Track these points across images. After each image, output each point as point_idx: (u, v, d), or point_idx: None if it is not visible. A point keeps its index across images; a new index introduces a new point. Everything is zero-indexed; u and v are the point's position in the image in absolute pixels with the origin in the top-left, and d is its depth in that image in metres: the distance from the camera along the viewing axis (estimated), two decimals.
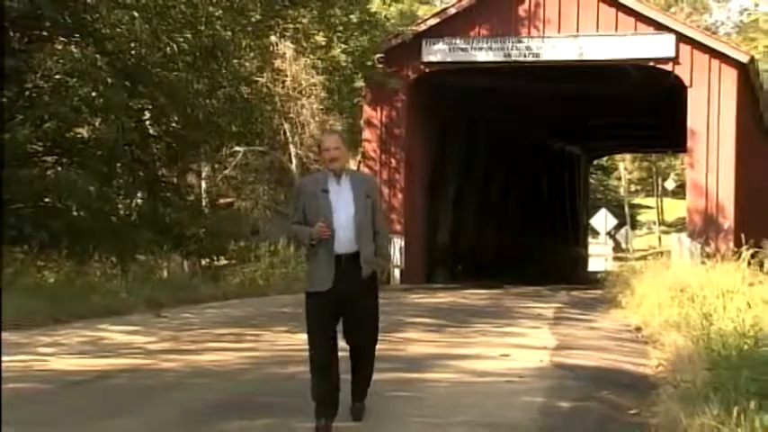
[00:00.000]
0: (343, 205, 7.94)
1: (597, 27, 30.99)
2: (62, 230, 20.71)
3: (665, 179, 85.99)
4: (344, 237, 7.89)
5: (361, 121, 33.96)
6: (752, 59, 32.81)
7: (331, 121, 34.72)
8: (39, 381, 10.71)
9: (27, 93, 20.95)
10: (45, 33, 21.52)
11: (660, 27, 31.01)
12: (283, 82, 30.93)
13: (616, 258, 44.15)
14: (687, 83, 30.55)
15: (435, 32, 32.04)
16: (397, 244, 31.40)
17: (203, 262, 26.05)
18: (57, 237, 20.63)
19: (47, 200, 20.97)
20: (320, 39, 30.91)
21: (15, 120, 19.79)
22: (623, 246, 50.33)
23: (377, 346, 8.38)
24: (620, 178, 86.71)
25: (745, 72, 31.59)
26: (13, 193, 19.68)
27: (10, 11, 19.58)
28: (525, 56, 31.49)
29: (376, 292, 8.18)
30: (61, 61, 21.21)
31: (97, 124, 22.33)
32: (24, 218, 20.41)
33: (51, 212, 20.84)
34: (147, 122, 24.18)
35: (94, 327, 15.62)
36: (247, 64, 27.27)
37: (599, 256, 46.54)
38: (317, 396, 7.92)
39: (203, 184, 32.83)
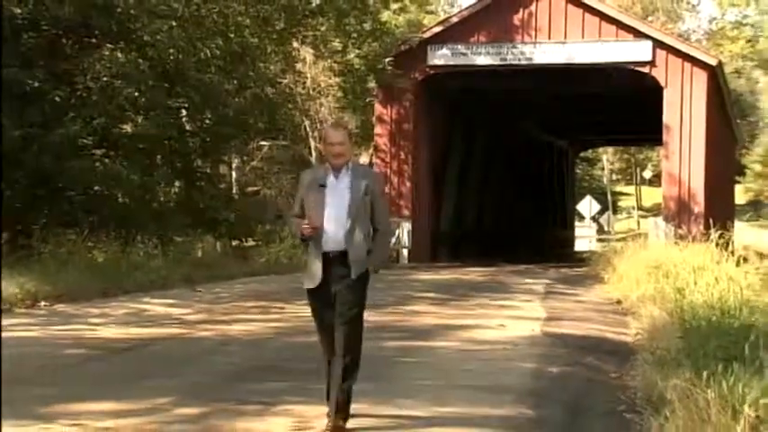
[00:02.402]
0: (335, 203, 6.86)
1: (583, 34, 30.89)
2: (109, 215, 20.79)
3: (642, 169, 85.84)
4: (333, 235, 6.83)
5: (374, 118, 33.93)
6: (720, 63, 32.73)
7: (346, 118, 34.73)
8: (89, 347, 10.76)
9: (78, 93, 21.00)
10: (94, 40, 21.55)
11: (638, 34, 30.91)
12: (304, 83, 30.92)
13: (599, 240, 44.16)
14: (663, 83, 30.46)
15: (439, 39, 31.96)
16: (405, 227, 31.42)
17: (233, 243, 26.07)
18: (105, 221, 20.70)
19: (96, 188, 21.02)
20: (337, 44, 30.86)
21: (68, 117, 19.83)
22: (606, 228, 50.28)
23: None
24: (603, 168, 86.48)
25: (714, 74, 31.49)
26: (67, 182, 19.75)
27: (63, 20, 19.60)
28: (519, 60, 31.40)
29: (363, 288, 6.97)
30: (108, 65, 21.26)
31: (140, 121, 22.38)
32: (76, 204, 20.48)
33: (100, 199, 20.90)
34: (184, 119, 24.22)
35: (138, 300, 15.67)
36: (272, 67, 27.27)
37: (584, 238, 46.57)
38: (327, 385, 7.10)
39: (233, 174, 32.88)
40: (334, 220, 6.83)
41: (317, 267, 6.87)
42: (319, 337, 7.10)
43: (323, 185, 6.91)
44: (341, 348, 6.88)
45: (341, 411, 6.89)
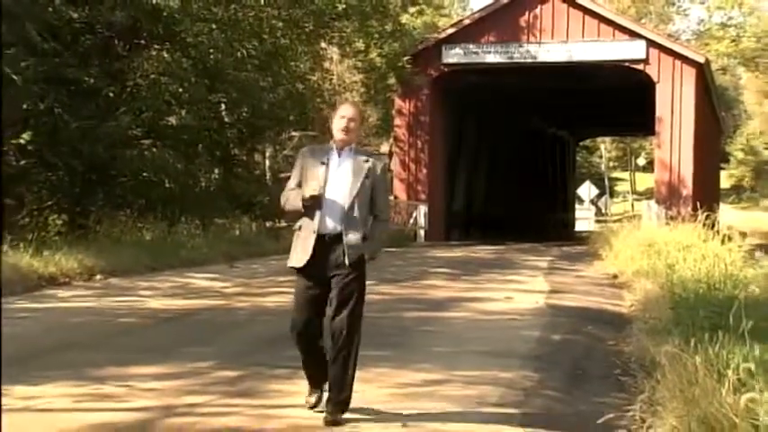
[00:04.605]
0: (336, 183, 5.92)
1: (583, 35, 30.76)
2: (156, 198, 20.83)
3: (637, 157, 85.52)
4: (329, 217, 5.87)
5: (393, 111, 33.91)
6: (707, 61, 32.53)
7: (368, 111, 34.64)
8: (139, 317, 10.81)
9: (128, 89, 21.02)
10: (143, 42, 21.55)
11: (633, 34, 30.77)
12: (331, 80, 30.92)
13: (597, 221, 43.95)
14: (655, 79, 30.32)
15: (453, 39, 31.90)
16: (422, 209, 31.44)
17: (267, 223, 26.09)
18: (152, 204, 20.76)
19: (144, 174, 21.05)
20: (360, 45, 30.80)
21: (120, 111, 19.88)
22: (603, 211, 50.16)
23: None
24: (600, 156, 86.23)
25: (702, 71, 31.31)
26: (118, 168, 19.80)
27: (116, 24, 19.63)
28: (525, 58, 31.31)
29: (360, 277, 5.95)
30: (155, 64, 21.28)
31: (183, 114, 22.39)
32: (127, 189, 20.54)
33: (148, 184, 20.93)
34: (223, 113, 24.21)
35: (182, 274, 15.70)
36: (302, 65, 27.23)
37: (584, 219, 46.35)
38: (305, 368, 6.17)
39: (267, 162, 32.87)
40: (333, 201, 5.90)
41: (307, 246, 5.88)
42: (294, 316, 6.02)
43: (324, 163, 5.96)
44: (336, 340, 5.85)
45: (342, 403, 5.96)
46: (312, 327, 5.94)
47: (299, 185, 5.99)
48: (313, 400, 6.16)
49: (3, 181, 17.79)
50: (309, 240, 5.89)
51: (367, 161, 6.04)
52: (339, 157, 5.98)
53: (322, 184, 5.88)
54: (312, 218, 5.90)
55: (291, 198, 6.00)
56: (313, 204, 5.86)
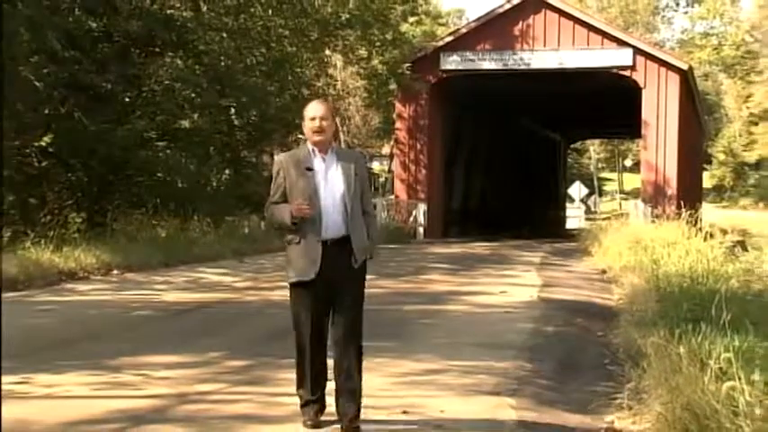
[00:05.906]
0: (330, 185, 5.39)
1: (573, 42, 30.72)
2: (170, 197, 20.82)
3: (624, 158, 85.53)
4: (332, 220, 5.36)
5: (394, 115, 33.89)
6: (690, 68, 32.52)
7: (370, 115, 34.66)
8: (154, 309, 10.81)
9: (144, 94, 21.02)
10: (158, 50, 21.55)
11: (621, 43, 30.73)
12: (335, 85, 30.90)
13: (587, 219, 43.93)
14: (642, 85, 30.28)
15: (450, 47, 31.85)
16: (421, 208, 31.42)
17: None
18: (166, 202, 20.74)
19: (159, 175, 21.05)
20: (363, 52, 30.79)
21: (135, 114, 19.88)
22: (592, 209, 50.10)
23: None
24: (590, 157, 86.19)
25: (686, 77, 31.29)
26: (134, 169, 19.80)
27: (132, 33, 19.64)
28: (519, 65, 31.26)
29: (364, 278, 5.54)
30: (169, 70, 21.27)
31: (195, 118, 22.39)
32: (143, 188, 20.53)
33: (162, 184, 20.93)
34: (233, 116, 24.22)
35: (195, 269, 15.71)
36: (307, 71, 27.23)
37: (574, 217, 46.33)
38: (309, 392, 5.62)
39: None
40: (332, 205, 5.38)
41: (313, 257, 5.35)
42: (302, 335, 5.56)
43: (310, 169, 5.41)
44: (347, 342, 5.47)
45: (357, 410, 5.52)
46: (323, 339, 5.54)
47: (284, 197, 5.47)
48: (318, 415, 5.62)
49: (26, 181, 17.83)
50: (314, 250, 5.36)
51: (352, 159, 5.58)
52: (324, 161, 5.45)
53: (311, 193, 5.37)
54: (313, 226, 5.36)
55: (279, 213, 5.46)
56: (304, 219, 5.34)
